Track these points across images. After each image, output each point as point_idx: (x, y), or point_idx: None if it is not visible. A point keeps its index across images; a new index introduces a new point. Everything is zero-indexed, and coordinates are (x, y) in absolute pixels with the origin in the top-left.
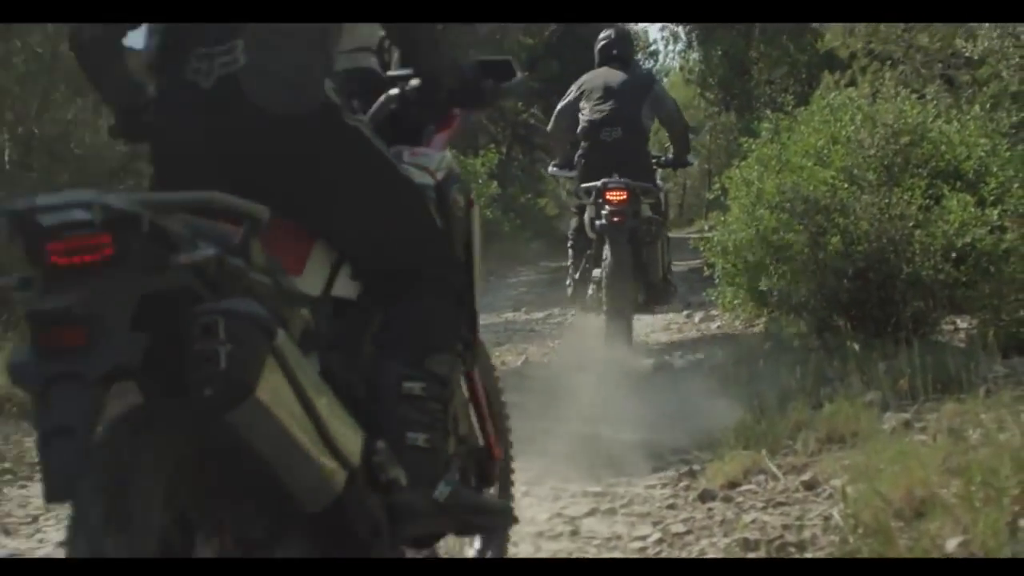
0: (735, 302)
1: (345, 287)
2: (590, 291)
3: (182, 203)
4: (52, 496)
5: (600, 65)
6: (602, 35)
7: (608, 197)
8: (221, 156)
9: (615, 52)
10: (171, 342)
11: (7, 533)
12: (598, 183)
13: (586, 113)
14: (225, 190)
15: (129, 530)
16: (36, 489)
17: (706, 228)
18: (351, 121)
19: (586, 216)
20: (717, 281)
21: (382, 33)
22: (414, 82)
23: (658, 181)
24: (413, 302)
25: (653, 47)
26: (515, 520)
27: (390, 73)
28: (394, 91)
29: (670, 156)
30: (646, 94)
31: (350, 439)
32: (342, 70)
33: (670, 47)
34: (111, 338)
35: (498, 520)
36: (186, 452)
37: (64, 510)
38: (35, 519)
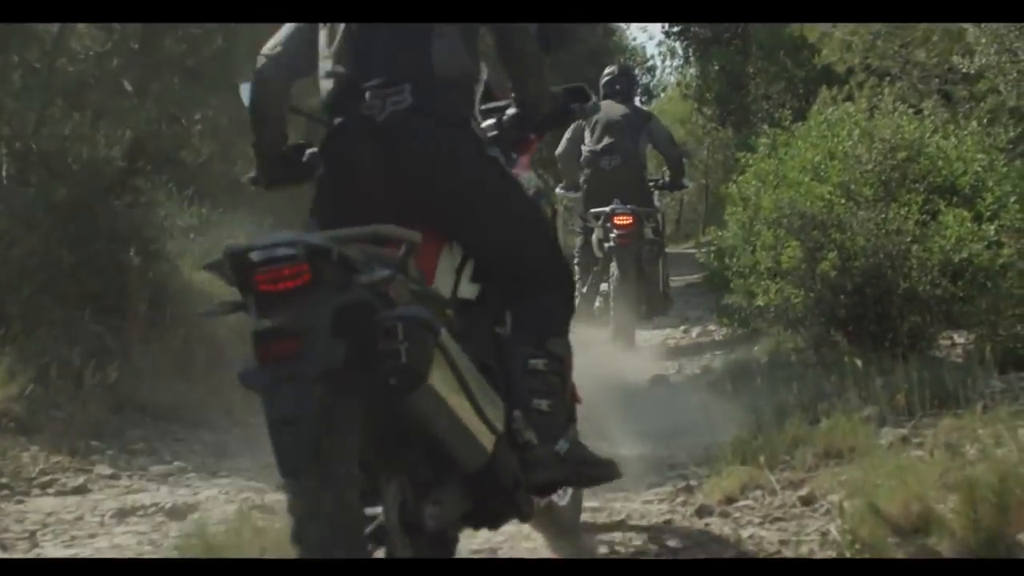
0: (732, 318)
1: (466, 290)
2: (597, 303)
3: (359, 236)
4: (285, 473)
5: (604, 99)
6: (606, 71)
7: (616, 221)
8: (386, 174)
9: (618, 87)
10: (361, 344)
11: (4, 548)
12: (607, 208)
13: (589, 143)
14: (384, 202)
15: (336, 485)
16: (33, 504)
17: (703, 243)
18: (491, 152)
19: (594, 237)
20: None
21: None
22: (511, 111)
23: (655, 202)
24: (536, 297)
25: (650, 63)
26: (620, 474)
27: (483, 107)
28: (491, 121)
29: (667, 179)
30: (644, 127)
31: (496, 411)
32: None
33: (667, 62)
34: (317, 345)
35: (605, 472)
36: (373, 423)
37: (59, 525)
38: (32, 534)
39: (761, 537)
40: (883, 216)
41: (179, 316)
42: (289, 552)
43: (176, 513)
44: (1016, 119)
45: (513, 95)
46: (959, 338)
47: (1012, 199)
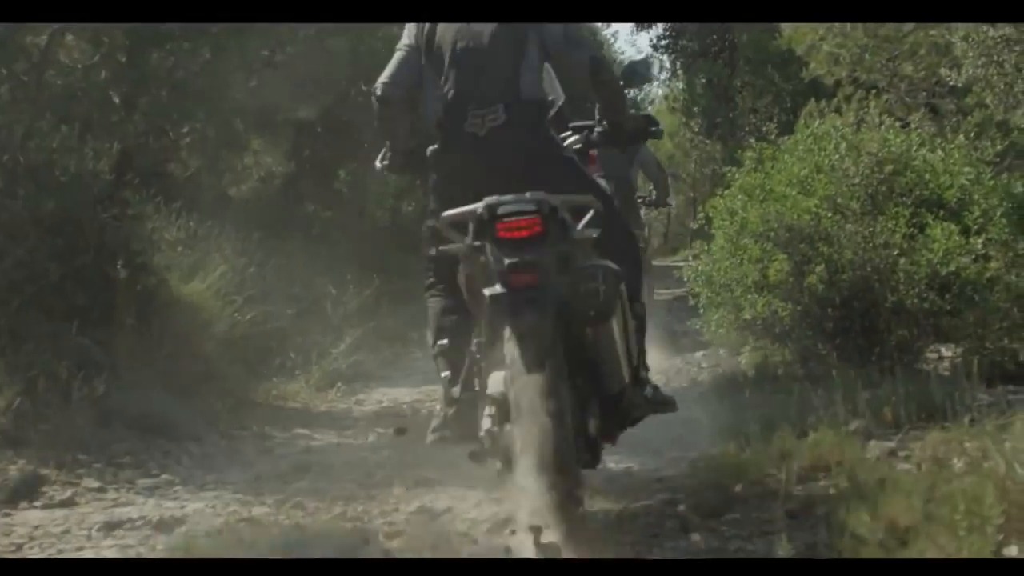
0: (719, 331)
1: None
2: None
3: (571, 202)
4: (529, 371)
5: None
6: None
7: None
8: (489, 173)
9: None
10: (573, 283)
11: None
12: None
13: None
14: (488, 193)
15: (563, 379)
16: (20, 517)
17: (690, 257)
18: (567, 154)
19: None
20: (702, 311)
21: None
22: (599, 129)
23: (642, 218)
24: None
25: None
26: (677, 408)
27: (573, 124)
28: (576, 136)
29: (653, 197)
30: (635, 155)
31: (633, 351)
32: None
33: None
34: (550, 279)
35: (669, 408)
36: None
37: (46, 538)
38: (19, 547)
39: (748, 551)
40: (870, 229)
41: (166, 329)
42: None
43: (163, 526)
44: (1003, 133)
45: (601, 117)
46: (946, 351)
47: (999, 212)
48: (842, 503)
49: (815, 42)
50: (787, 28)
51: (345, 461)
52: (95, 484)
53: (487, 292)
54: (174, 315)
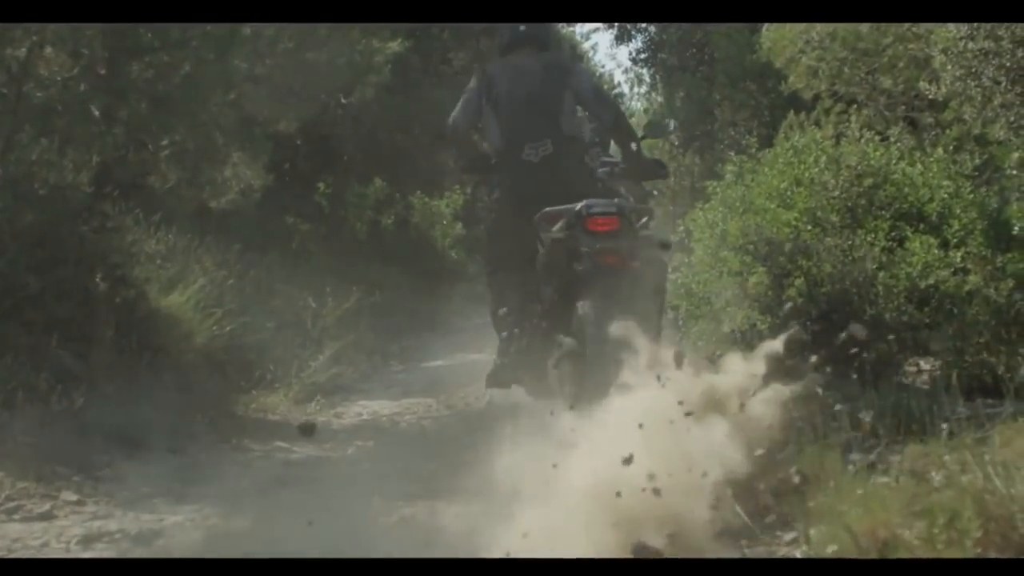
0: (699, 343)
1: None
2: None
3: (637, 209)
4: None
5: None
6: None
7: None
8: (538, 189)
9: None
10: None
11: None
12: None
13: None
14: (540, 206)
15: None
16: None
17: (670, 270)
18: (596, 176)
19: None
20: (682, 324)
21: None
22: (621, 166)
23: None
24: None
25: (618, 90)
26: None
27: (604, 159)
28: (606, 169)
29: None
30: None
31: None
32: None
33: (635, 89)
34: (626, 263)
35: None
36: None
37: (25, 551)
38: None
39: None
40: (849, 243)
41: (146, 342)
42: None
43: (142, 539)
44: (982, 146)
45: (622, 156)
46: (925, 364)
47: (978, 226)
48: (821, 516)
49: (794, 55)
50: (766, 42)
51: (324, 474)
52: (74, 497)
53: (578, 267)
54: (153, 328)
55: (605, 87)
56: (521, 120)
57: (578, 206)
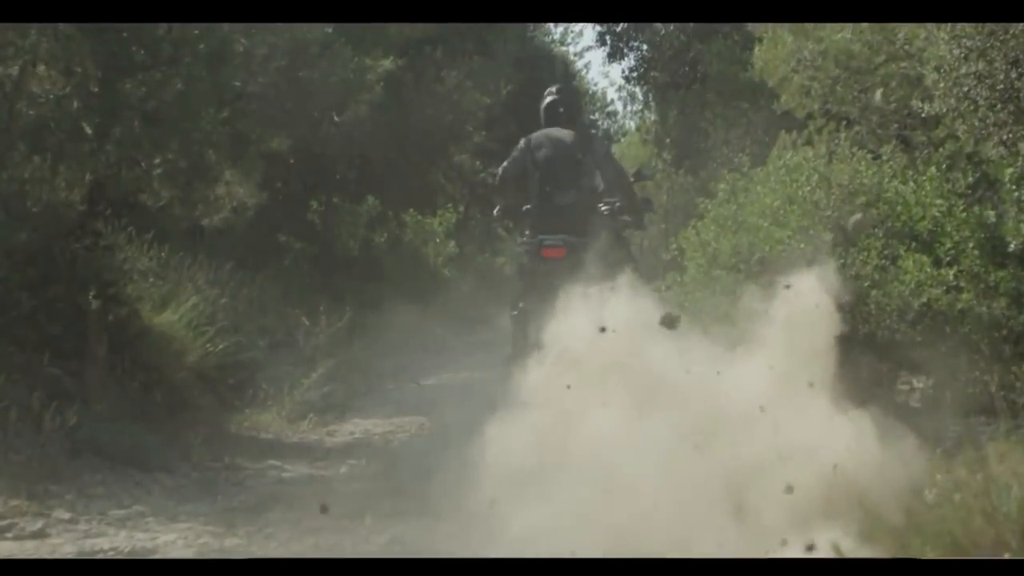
0: None
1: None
2: None
3: (578, 242)
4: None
5: None
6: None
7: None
8: (564, 229)
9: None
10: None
11: None
12: None
13: None
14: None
15: None
16: None
17: (663, 288)
18: (605, 211)
19: None
20: None
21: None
22: (618, 205)
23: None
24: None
25: (611, 107)
26: None
27: (606, 200)
28: (606, 207)
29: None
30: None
31: None
32: None
33: (628, 107)
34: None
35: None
36: None
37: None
38: None
39: None
40: (842, 261)
41: (138, 360)
42: None
43: (135, 557)
44: (974, 164)
45: (617, 199)
46: (918, 383)
47: (971, 244)
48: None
49: (787, 74)
50: (759, 60)
51: (317, 492)
52: (66, 515)
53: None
54: (146, 346)
55: (613, 153)
56: (553, 176)
57: (536, 238)
